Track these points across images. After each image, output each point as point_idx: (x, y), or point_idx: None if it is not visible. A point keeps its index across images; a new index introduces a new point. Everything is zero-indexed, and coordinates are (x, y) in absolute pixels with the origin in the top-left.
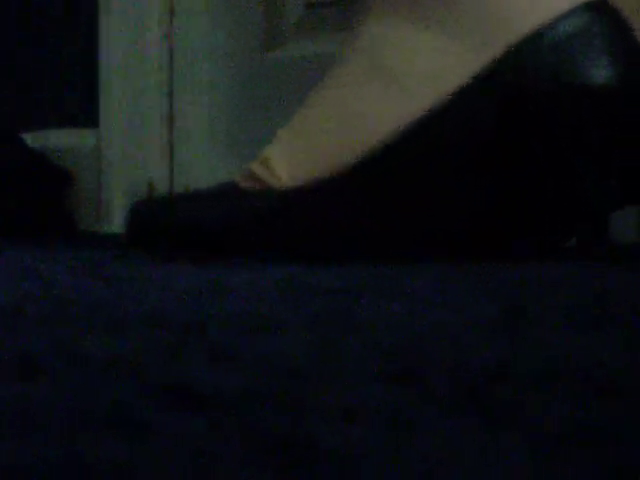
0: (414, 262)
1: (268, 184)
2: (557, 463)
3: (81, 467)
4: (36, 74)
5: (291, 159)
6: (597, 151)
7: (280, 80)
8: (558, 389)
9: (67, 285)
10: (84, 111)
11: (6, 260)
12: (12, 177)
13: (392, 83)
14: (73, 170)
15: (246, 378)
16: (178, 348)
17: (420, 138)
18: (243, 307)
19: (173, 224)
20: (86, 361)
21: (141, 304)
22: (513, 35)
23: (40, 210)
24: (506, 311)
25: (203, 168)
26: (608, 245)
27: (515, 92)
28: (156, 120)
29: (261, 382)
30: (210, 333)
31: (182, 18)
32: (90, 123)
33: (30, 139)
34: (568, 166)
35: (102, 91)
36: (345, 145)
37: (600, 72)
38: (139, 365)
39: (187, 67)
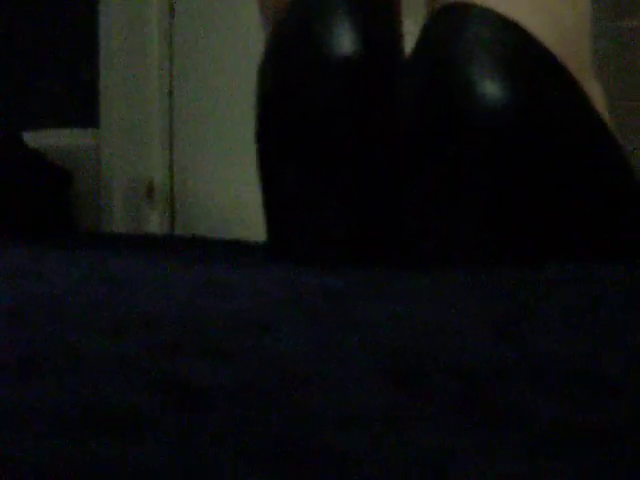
0: (414, 263)
1: None
2: (557, 463)
3: (81, 467)
4: (36, 74)
5: None
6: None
7: None
8: (558, 389)
9: (67, 285)
10: (84, 111)
11: (6, 260)
12: (12, 177)
13: None
14: (73, 170)
15: (245, 378)
16: (178, 348)
17: None
18: (243, 307)
19: None
20: (86, 361)
21: (140, 304)
22: None
23: (40, 210)
24: (507, 311)
25: (203, 168)
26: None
27: None
28: (156, 120)
29: (260, 382)
30: (209, 333)
31: (182, 18)
32: (90, 123)
33: (30, 139)
34: None
35: (102, 91)
36: None
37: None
38: (139, 365)
39: (187, 67)
